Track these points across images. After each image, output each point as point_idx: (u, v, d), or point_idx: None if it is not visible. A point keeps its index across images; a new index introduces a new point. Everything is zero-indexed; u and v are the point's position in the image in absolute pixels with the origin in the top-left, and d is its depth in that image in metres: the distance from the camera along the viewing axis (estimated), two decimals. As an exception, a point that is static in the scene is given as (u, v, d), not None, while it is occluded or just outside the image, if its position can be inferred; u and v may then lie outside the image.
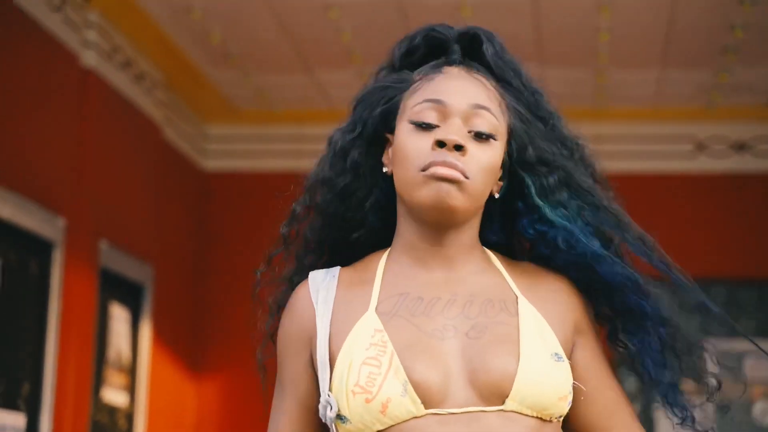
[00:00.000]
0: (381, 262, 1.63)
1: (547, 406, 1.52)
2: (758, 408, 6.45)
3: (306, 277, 1.66)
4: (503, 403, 1.50)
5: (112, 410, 5.43)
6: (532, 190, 1.65)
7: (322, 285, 1.62)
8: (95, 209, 5.09)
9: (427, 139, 1.58)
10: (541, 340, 1.55)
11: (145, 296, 5.78)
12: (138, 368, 5.71)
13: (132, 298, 5.71)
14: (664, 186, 6.59)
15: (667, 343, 1.65)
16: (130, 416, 5.64)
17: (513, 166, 1.65)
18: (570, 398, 1.56)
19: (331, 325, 1.58)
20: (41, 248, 4.70)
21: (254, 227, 6.73)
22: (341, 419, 1.54)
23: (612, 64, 5.76)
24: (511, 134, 1.64)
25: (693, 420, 1.66)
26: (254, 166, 6.74)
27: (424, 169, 1.56)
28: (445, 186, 1.55)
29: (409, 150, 1.58)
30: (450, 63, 1.67)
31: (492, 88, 1.65)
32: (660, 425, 6.39)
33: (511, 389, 1.50)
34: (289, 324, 1.63)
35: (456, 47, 1.68)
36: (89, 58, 5.04)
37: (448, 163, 1.55)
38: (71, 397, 4.81)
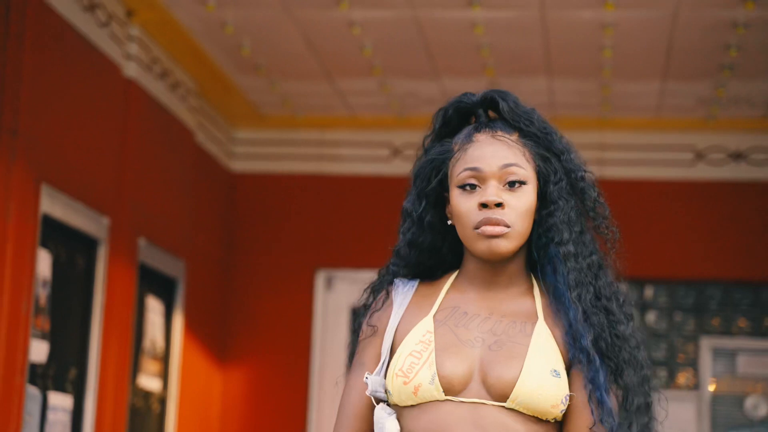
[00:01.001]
0: (448, 282, 2.06)
1: (541, 410, 1.91)
2: (750, 402, 6.63)
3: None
4: (505, 401, 1.91)
5: (147, 395, 5.70)
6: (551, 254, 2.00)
7: (402, 291, 2.05)
8: (135, 209, 5.39)
9: (473, 200, 1.97)
10: (544, 359, 1.93)
11: (178, 290, 6.02)
12: (170, 357, 5.96)
13: (166, 291, 5.95)
14: (665, 192, 6.76)
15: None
16: (163, 400, 5.89)
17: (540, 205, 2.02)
18: (563, 407, 1.93)
19: (399, 323, 2.01)
20: (87, 245, 4.98)
21: (278, 225, 7.06)
22: (387, 392, 1.98)
23: (615, 78, 6.05)
24: (539, 173, 2.01)
25: None
26: (278, 168, 6.97)
27: (476, 227, 1.96)
28: (495, 241, 1.96)
29: (462, 211, 1.98)
30: (478, 129, 2.03)
31: (514, 143, 2.01)
32: (657, 413, 6.71)
33: (511, 393, 1.91)
34: (374, 319, 2.05)
35: (480, 111, 2.05)
36: (131, 70, 5.35)
37: (493, 221, 1.95)
38: (112, 382, 5.10)
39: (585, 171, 2.05)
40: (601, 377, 1.93)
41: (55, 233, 4.69)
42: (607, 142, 6.80)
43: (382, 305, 2.06)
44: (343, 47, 5.75)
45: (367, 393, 2.00)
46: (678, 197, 6.78)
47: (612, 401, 1.93)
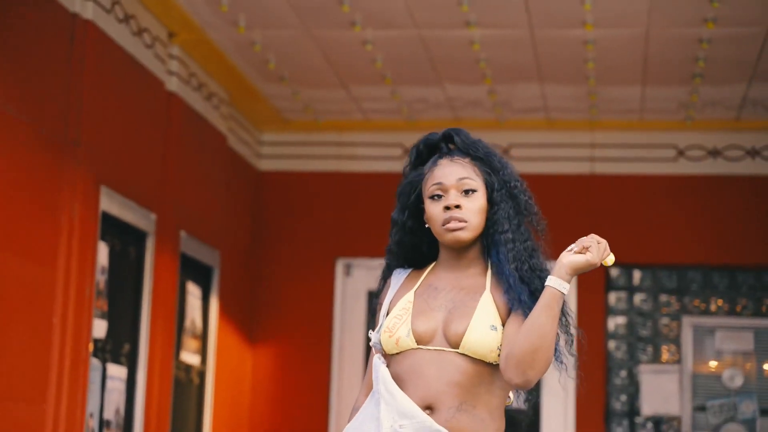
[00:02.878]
0: (429, 268, 2.80)
1: (482, 353, 2.63)
2: (726, 374, 7.10)
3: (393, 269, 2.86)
4: (458, 348, 2.64)
5: (188, 368, 6.22)
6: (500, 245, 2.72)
7: (398, 276, 2.80)
8: (177, 206, 5.92)
9: (440, 206, 2.72)
10: (485, 317, 2.65)
11: (213, 276, 6.53)
12: (208, 335, 6.47)
13: (203, 278, 6.45)
14: (650, 186, 7.23)
15: None
16: (201, 374, 6.41)
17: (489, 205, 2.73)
18: (498, 352, 2.63)
19: (393, 296, 2.76)
20: (138, 237, 5.51)
21: (301, 218, 7.63)
22: (380, 344, 2.73)
23: (600, 85, 6.64)
24: (486, 184, 2.75)
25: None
26: (301, 167, 7.48)
27: (443, 224, 2.70)
28: (457, 232, 2.70)
29: (433, 214, 2.73)
30: (441, 156, 2.77)
31: (466, 164, 2.75)
32: (643, 385, 7.17)
33: (461, 341, 2.64)
34: (379, 300, 2.81)
35: (443, 144, 2.81)
36: (172, 84, 5.94)
37: (454, 218, 2.69)
38: (159, 356, 5.65)
39: (518, 181, 2.79)
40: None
41: (111, 228, 5.22)
42: (596, 141, 7.31)
43: (383, 290, 2.83)
44: (357, 61, 6.34)
45: (371, 344, 2.77)
46: (662, 191, 7.22)
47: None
